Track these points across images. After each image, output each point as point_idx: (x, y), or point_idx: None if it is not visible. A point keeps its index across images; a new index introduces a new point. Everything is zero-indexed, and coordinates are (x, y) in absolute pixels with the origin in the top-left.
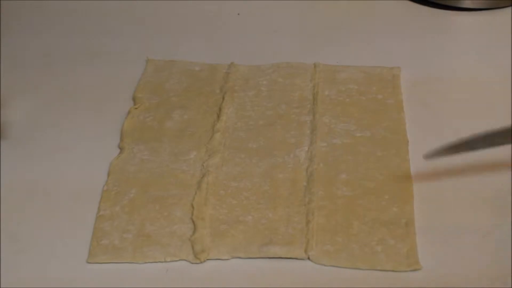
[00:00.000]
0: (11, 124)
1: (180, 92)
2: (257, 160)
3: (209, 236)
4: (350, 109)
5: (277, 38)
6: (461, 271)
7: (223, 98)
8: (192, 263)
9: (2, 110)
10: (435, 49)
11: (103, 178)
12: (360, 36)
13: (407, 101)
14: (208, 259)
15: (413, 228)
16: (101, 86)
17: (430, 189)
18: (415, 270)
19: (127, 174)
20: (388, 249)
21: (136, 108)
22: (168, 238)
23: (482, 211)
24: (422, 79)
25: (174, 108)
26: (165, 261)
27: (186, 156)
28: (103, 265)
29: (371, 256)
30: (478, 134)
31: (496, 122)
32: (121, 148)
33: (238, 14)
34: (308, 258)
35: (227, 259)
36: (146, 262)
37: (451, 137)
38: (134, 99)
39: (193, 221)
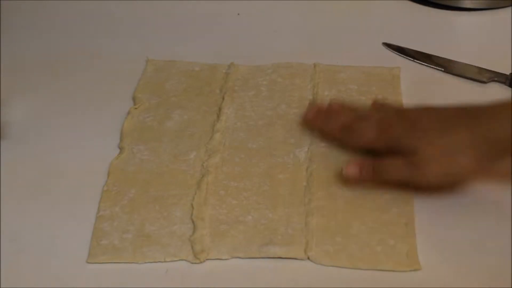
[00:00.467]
0: (11, 124)
1: (180, 92)
2: (257, 160)
3: (209, 236)
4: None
5: (277, 38)
6: (461, 271)
7: (223, 98)
8: (192, 263)
9: (2, 110)
10: (435, 49)
11: (103, 178)
12: (360, 36)
13: (407, 101)
14: (208, 259)
15: (413, 228)
16: (101, 86)
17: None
18: (415, 270)
19: (127, 174)
20: (388, 249)
21: (136, 108)
22: (168, 238)
23: (482, 211)
24: (422, 79)
25: (174, 108)
26: (165, 261)
27: (186, 156)
28: (103, 265)
29: (371, 256)
30: None
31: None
32: (121, 148)
33: (238, 14)
34: (308, 258)
35: (227, 259)
36: (146, 262)
37: None
38: (134, 99)
39: (193, 221)
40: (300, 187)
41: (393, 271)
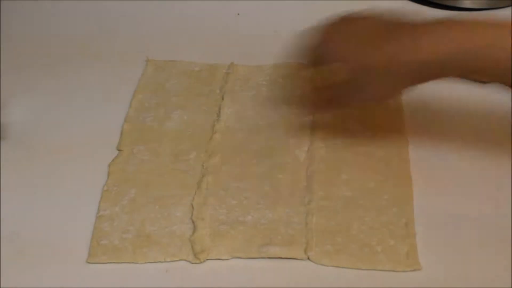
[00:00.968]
0: (11, 124)
1: (180, 92)
2: (257, 161)
3: (208, 236)
4: (350, 109)
5: (277, 38)
6: (461, 271)
7: (223, 98)
8: (192, 263)
9: (2, 110)
10: None
11: (103, 178)
12: None
13: (407, 100)
14: (208, 259)
15: (413, 228)
16: (101, 86)
17: (430, 189)
18: (415, 270)
19: (127, 174)
20: (388, 249)
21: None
22: (168, 238)
23: (482, 211)
24: None
25: (174, 108)
26: (165, 261)
27: (186, 156)
28: (103, 265)
29: (371, 256)
30: None
31: (496, 122)
32: (120, 149)
33: (238, 14)
34: (308, 258)
35: (227, 259)
36: (146, 262)
37: (451, 137)
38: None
39: (193, 221)
40: (300, 187)
41: (393, 271)
